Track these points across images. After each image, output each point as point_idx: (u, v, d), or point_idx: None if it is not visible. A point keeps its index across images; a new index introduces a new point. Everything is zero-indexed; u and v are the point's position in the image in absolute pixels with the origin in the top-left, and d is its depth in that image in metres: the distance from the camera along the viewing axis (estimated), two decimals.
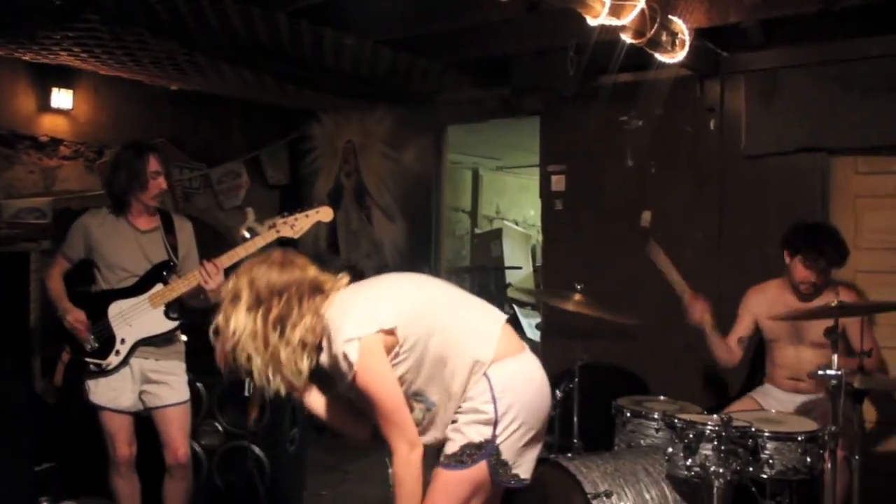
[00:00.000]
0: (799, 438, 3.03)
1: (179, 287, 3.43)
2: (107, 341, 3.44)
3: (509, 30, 4.50)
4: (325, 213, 3.45)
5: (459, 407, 2.34)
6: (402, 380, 2.34)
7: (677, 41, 3.95)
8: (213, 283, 3.35)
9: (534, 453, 2.41)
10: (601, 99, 4.97)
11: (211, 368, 4.10)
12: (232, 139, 6.55)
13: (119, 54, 4.56)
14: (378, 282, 2.50)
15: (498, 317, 2.46)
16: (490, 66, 5.19)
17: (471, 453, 2.30)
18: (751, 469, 3.03)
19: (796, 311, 3.60)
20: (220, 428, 4.18)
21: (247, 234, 3.55)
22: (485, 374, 2.32)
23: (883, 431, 4.25)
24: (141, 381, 3.48)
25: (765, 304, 3.82)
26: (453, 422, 2.35)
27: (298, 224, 3.41)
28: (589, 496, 3.01)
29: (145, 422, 3.54)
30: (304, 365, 2.33)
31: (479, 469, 2.30)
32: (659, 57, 4.01)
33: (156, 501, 3.61)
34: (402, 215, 6.37)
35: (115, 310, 3.45)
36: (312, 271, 2.39)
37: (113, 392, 3.44)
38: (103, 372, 3.43)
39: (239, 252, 3.39)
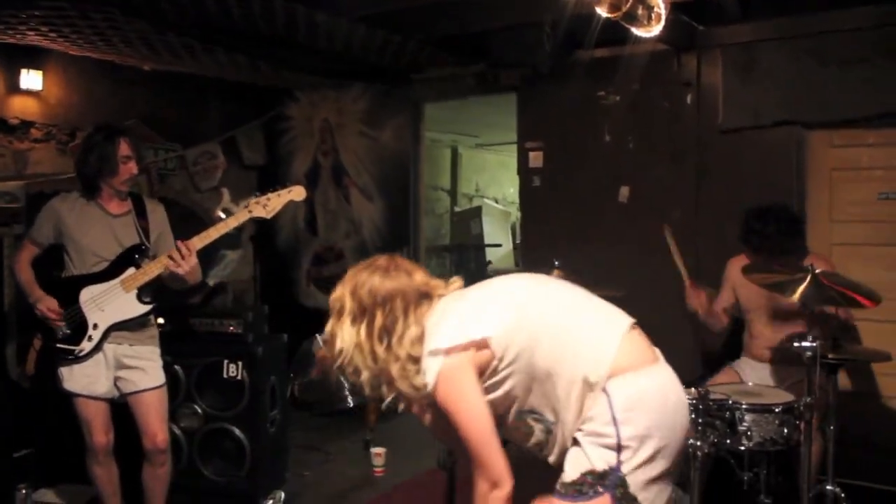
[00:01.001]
0: (776, 410, 3.06)
1: (152, 270, 3.39)
2: (78, 327, 3.39)
3: (485, 5, 4.46)
4: (297, 193, 3.43)
5: (580, 429, 2.01)
6: (509, 397, 2.07)
7: (653, 15, 3.93)
8: (185, 266, 3.31)
9: (666, 493, 2.03)
10: (578, 74, 4.95)
11: (188, 351, 4.11)
12: (207, 120, 6.47)
13: (88, 34, 4.47)
14: (486, 286, 2.19)
15: (620, 323, 2.09)
16: (466, 42, 5.15)
17: (592, 482, 1.95)
18: (728, 441, 3.06)
19: (769, 279, 3.64)
20: (199, 410, 4.15)
21: (222, 215, 3.51)
22: (604, 390, 1.97)
23: (856, 400, 4.30)
24: (115, 366, 3.44)
25: (741, 273, 3.85)
26: (575, 443, 2.02)
27: (271, 204, 3.39)
28: None
29: (123, 408, 3.51)
30: (419, 381, 2.05)
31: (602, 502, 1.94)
32: (635, 31, 3.98)
33: (136, 486, 3.59)
34: (380, 194, 6.34)
35: (87, 295, 3.40)
36: (420, 277, 2.16)
37: (87, 379, 3.40)
38: (76, 358, 3.38)
39: (211, 233, 3.35)
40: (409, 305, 2.10)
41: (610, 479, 1.94)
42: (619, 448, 1.94)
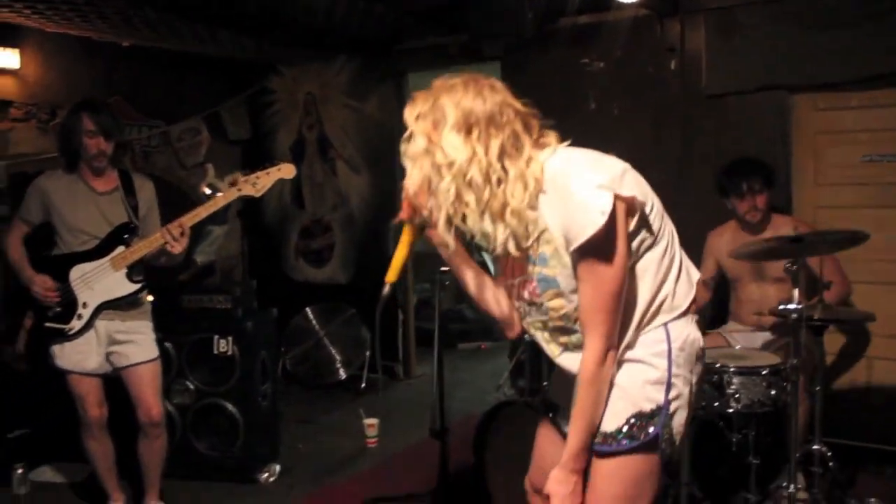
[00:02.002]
0: (763, 372, 3.11)
1: (141, 249, 3.38)
2: (68, 305, 3.39)
3: None
4: (286, 171, 3.41)
5: (627, 351, 1.87)
6: None
7: None
8: (179, 246, 3.31)
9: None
10: (561, 42, 4.93)
11: (178, 327, 4.12)
12: (190, 95, 6.41)
13: (64, 10, 4.40)
14: (613, 157, 1.92)
15: (696, 272, 2.01)
16: (448, 11, 5.11)
17: (641, 425, 1.82)
18: (717, 404, 3.10)
19: (752, 243, 3.69)
20: (191, 386, 4.17)
21: (208, 191, 3.50)
22: (665, 324, 1.88)
23: (842, 362, 4.36)
24: (107, 342, 3.45)
25: (724, 245, 3.91)
26: (611, 385, 1.85)
27: (260, 182, 3.37)
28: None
29: (117, 383, 3.52)
30: (529, 213, 1.80)
31: (651, 447, 1.83)
32: None
33: (132, 462, 3.61)
34: (366, 166, 6.33)
35: (77, 273, 3.39)
36: (521, 104, 1.85)
37: (79, 355, 3.41)
38: (67, 336, 3.39)
39: (200, 212, 3.34)
40: (520, 128, 1.81)
41: (659, 419, 1.82)
42: (668, 385, 1.84)
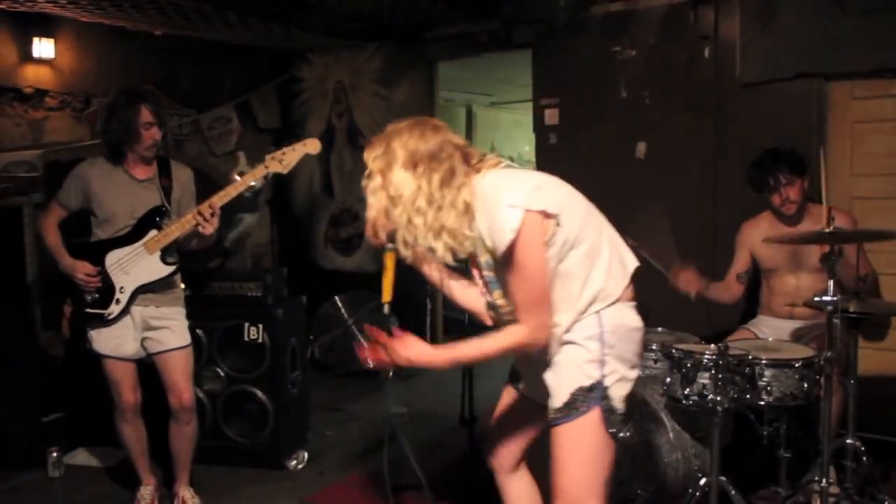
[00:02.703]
0: (795, 365, 3.06)
1: (174, 231, 3.41)
2: (106, 291, 3.44)
3: None
4: (312, 146, 3.41)
5: (566, 338, 2.19)
6: None
7: None
8: (210, 227, 3.34)
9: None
10: (593, 29, 4.89)
11: (209, 314, 4.16)
12: (221, 84, 6.45)
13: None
14: (532, 173, 2.26)
15: (633, 260, 2.31)
16: None
17: (583, 397, 2.16)
18: (748, 396, 3.06)
19: (790, 235, 3.63)
20: (221, 373, 4.21)
21: (238, 179, 3.51)
22: (598, 311, 2.18)
23: (877, 355, 4.29)
24: (142, 328, 3.49)
25: (759, 235, 3.83)
26: (552, 367, 2.22)
27: (286, 158, 3.37)
28: None
29: (150, 369, 3.57)
30: (468, 231, 2.15)
31: (595, 415, 2.16)
32: None
33: (163, 447, 3.66)
34: None
35: (112, 259, 3.44)
36: (459, 139, 2.22)
37: (116, 340, 3.46)
38: (105, 322, 3.43)
39: (230, 191, 3.36)
40: (458, 160, 2.15)
41: (598, 391, 2.16)
42: (602, 363, 2.16)
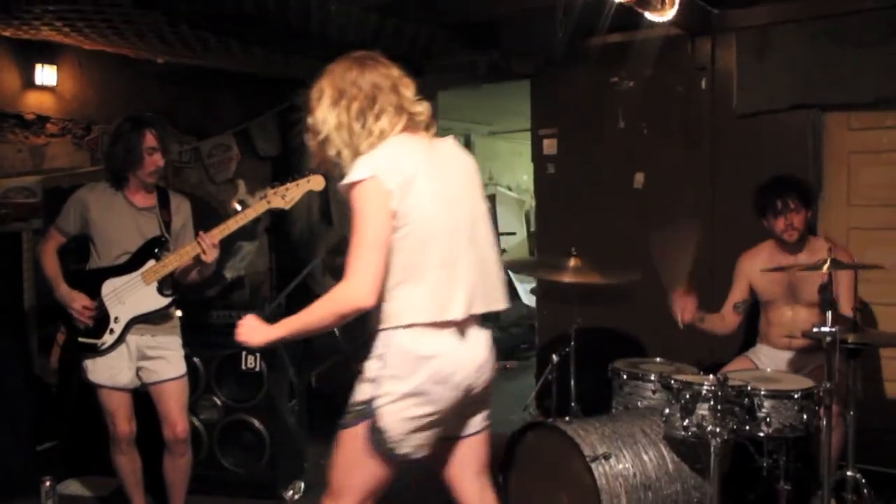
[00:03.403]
0: (795, 396, 3.05)
1: (172, 263, 3.41)
2: (100, 320, 3.42)
3: None
4: (316, 182, 3.40)
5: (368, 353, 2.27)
6: None
7: None
8: (211, 255, 3.34)
9: (428, 436, 2.27)
10: (591, 60, 4.92)
11: (206, 343, 4.14)
12: (221, 111, 6.48)
13: (102, 27, 4.48)
14: (432, 160, 2.37)
15: (458, 310, 2.24)
16: (479, 29, 5.13)
17: (355, 412, 2.25)
18: (747, 427, 3.05)
19: (789, 265, 3.64)
20: (218, 402, 4.19)
21: (238, 207, 3.51)
22: (393, 329, 2.21)
23: (877, 386, 4.28)
24: (138, 357, 3.47)
25: (758, 266, 3.84)
26: (359, 372, 2.29)
27: (290, 194, 3.37)
28: (587, 459, 3.04)
29: (144, 398, 3.54)
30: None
31: (361, 430, 2.22)
32: (648, 16, 3.95)
33: (158, 477, 3.62)
34: None
35: (109, 288, 3.42)
36: (396, 72, 2.46)
37: (111, 370, 3.43)
38: (99, 351, 3.41)
39: (230, 225, 3.36)
40: (383, 91, 2.35)
41: (368, 410, 2.20)
42: (378, 385, 2.19)
